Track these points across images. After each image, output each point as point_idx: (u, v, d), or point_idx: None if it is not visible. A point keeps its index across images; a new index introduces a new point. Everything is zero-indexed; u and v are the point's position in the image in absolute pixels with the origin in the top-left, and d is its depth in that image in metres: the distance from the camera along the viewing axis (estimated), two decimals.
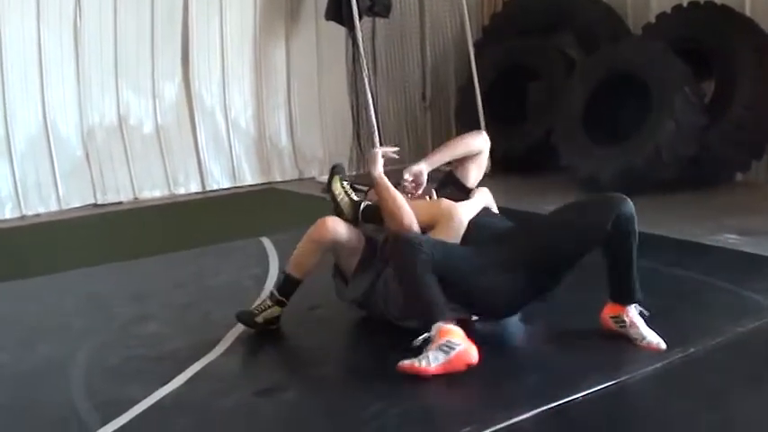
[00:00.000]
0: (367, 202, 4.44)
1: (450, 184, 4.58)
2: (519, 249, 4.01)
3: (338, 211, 4.46)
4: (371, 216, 4.38)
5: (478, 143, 4.64)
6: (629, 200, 3.95)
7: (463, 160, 4.60)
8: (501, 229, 4.23)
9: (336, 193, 4.47)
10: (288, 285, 4.51)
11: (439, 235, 4.09)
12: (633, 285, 4.03)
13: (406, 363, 3.69)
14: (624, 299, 4.05)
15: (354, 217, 4.42)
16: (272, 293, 4.52)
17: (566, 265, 4.12)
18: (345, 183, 4.52)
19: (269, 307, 4.50)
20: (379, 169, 4.30)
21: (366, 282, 4.39)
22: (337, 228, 4.39)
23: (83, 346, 4.37)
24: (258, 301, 4.63)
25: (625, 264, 4.00)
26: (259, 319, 4.48)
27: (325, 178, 9.13)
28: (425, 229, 4.18)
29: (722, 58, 7.81)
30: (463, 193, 4.46)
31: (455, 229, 4.14)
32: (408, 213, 4.17)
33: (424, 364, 3.65)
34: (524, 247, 4.02)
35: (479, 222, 4.21)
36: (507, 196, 5.06)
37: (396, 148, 4.55)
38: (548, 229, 4.18)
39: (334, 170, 4.61)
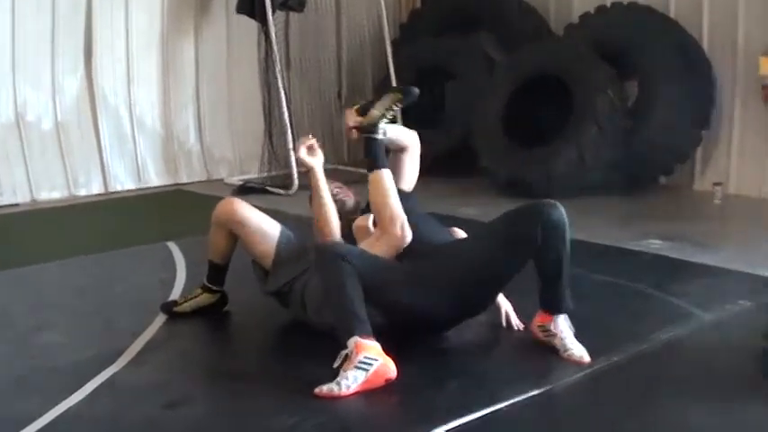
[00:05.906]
0: (381, 139, 4.15)
1: None
2: (448, 265, 3.93)
3: (361, 110, 4.24)
4: (366, 148, 4.16)
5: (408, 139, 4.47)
6: (558, 205, 3.85)
7: (397, 157, 4.40)
8: (434, 244, 4.08)
9: (380, 103, 4.16)
10: (212, 271, 4.61)
11: (374, 249, 3.97)
12: (562, 295, 3.97)
13: (324, 388, 3.58)
14: (552, 308, 3.98)
15: (365, 129, 4.17)
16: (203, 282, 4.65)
17: (497, 281, 4.05)
18: (397, 108, 4.19)
19: (198, 295, 4.64)
20: (314, 161, 4.25)
21: (283, 279, 4.35)
22: (235, 208, 4.41)
23: None
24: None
25: (554, 272, 3.91)
26: (185, 307, 4.61)
27: (233, 180, 8.99)
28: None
29: (646, 59, 7.84)
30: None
31: (391, 253, 3.99)
32: (334, 227, 4.19)
33: (343, 388, 3.56)
34: (454, 263, 3.94)
35: (415, 238, 4.04)
36: (427, 199, 5.02)
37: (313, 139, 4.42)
38: (477, 243, 4.05)
39: (408, 91, 4.23)
